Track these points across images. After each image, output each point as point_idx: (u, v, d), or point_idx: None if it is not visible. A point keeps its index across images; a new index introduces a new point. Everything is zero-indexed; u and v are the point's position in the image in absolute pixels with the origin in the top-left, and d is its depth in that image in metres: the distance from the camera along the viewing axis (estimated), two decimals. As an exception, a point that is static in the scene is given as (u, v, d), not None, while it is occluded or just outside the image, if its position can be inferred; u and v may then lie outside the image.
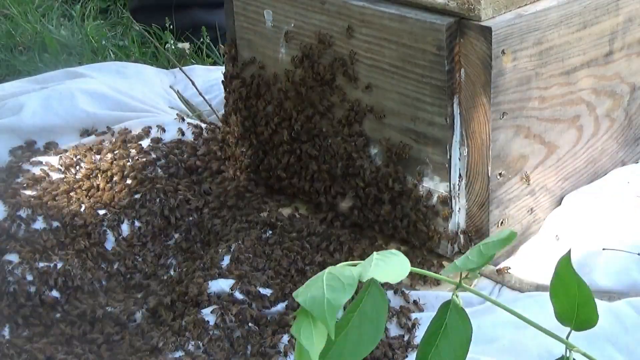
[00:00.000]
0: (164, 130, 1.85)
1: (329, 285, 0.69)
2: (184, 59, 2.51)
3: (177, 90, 2.12)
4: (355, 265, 0.73)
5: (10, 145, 1.86)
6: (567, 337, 0.74)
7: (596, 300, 1.31)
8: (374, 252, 0.74)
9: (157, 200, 1.65)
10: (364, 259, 1.48)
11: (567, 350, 0.74)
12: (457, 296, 0.75)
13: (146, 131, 1.84)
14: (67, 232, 1.59)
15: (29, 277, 1.47)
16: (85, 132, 1.89)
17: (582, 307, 0.74)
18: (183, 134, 1.85)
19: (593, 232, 1.45)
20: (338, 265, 0.73)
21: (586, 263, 1.40)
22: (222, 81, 1.76)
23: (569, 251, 0.74)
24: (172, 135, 1.85)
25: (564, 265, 0.74)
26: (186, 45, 2.56)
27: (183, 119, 1.89)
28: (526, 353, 1.22)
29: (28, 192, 1.67)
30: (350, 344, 0.70)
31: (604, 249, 1.41)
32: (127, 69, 2.20)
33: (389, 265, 0.71)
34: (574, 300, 0.74)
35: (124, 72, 2.16)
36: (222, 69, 1.88)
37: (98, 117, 1.92)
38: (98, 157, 1.77)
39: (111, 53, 2.62)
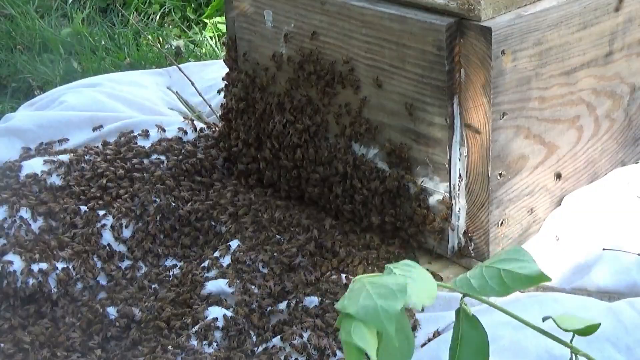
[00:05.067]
0: (164, 130, 1.85)
1: (377, 293, 0.68)
2: (179, 57, 2.51)
3: (176, 92, 2.12)
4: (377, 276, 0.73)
5: (11, 146, 1.86)
6: (571, 341, 0.74)
7: (596, 300, 1.32)
8: (387, 265, 0.73)
9: (157, 200, 1.65)
10: (366, 262, 1.48)
11: (573, 354, 0.74)
12: (465, 304, 0.74)
13: (146, 132, 1.84)
14: (67, 233, 1.59)
15: (29, 278, 1.47)
16: (86, 134, 1.89)
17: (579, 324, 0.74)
18: (186, 133, 1.85)
19: (593, 232, 1.45)
20: (368, 275, 0.72)
21: (586, 264, 1.40)
22: (223, 78, 1.76)
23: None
24: (172, 136, 1.85)
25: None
26: (181, 42, 2.55)
27: (185, 119, 1.89)
28: (526, 353, 1.22)
29: (29, 193, 1.67)
30: (390, 356, 0.70)
31: (604, 249, 1.41)
32: (124, 71, 2.20)
33: (419, 285, 0.70)
34: (572, 316, 0.74)
35: (120, 79, 2.16)
36: (218, 63, 1.88)
37: (98, 118, 1.92)
38: (98, 158, 1.77)
39: (110, 52, 2.62)
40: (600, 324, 0.74)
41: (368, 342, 0.66)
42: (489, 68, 1.33)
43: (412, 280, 0.70)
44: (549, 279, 0.72)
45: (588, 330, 0.74)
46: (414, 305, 0.68)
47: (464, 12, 1.35)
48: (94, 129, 1.88)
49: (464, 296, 0.74)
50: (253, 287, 1.44)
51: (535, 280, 0.72)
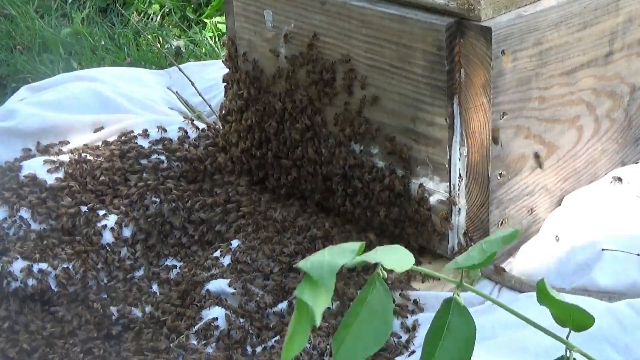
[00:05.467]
0: (165, 131, 1.84)
1: (330, 252, 0.70)
2: (179, 57, 2.51)
3: (176, 92, 2.12)
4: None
5: (11, 146, 1.86)
6: (567, 337, 0.74)
7: (596, 300, 1.32)
8: (377, 247, 0.74)
9: (157, 200, 1.65)
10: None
11: (567, 350, 0.74)
12: (458, 295, 0.75)
13: (145, 132, 1.84)
14: (67, 233, 1.59)
15: (29, 278, 1.47)
16: (86, 133, 1.89)
17: (575, 312, 0.74)
18: (186, 133, 1.85)
19: (593, 232, 1.45)
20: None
21: (586, 264, 1.40)
22: (223, 79, 1.76)
23: (543, 280, 0.75)
24: (173, 136, 1.85)
25: (542, 288, 0.74)
26: (181, 42, 2.55)
27: (185, 119, 1.89)
28: (524, 353, 1.23)
29: (29, 193, 1.67)
30: (361, 339, 0.70)
31: (603, 250, 1.41)
32: (124, 71, 2.19)
33: (395, 255, 0.72)
34: (565, 306, 0.74)
35: (121, 74, 2.16)
36: (218, 63, 1.86)
37: (98, 118, 1.91)
38: (99, 158, 1.77)
39: (110, 52, 2.62)
40: (594, 318, 0.74)
41: (316, 300, 0.67)
42: (489, 68, 1.33)
43: (389, 252, 0.71)
44: (519, 233, 0.74)
45: (583, 324, 0.74)
46: (389, 265, 0.69)
47: (464, 12, 1.35)
48: (95, 131, 1.88)
49: (457, 287, 0.75)
50: (253, 287, 1.43)
51: (509, 238, 0.74)
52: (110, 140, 1.84)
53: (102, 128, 1.88)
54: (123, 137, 1.83)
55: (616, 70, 1.57)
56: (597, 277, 1.38)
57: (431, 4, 1.38)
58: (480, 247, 0.74)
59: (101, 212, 1.62)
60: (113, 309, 1.43)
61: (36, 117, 1.89)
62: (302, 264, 0.68)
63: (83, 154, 1.78)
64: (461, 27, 1.35)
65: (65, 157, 1.77)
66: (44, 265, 1.50)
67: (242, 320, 1.37)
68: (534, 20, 1.37)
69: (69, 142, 1.86)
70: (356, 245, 0.71)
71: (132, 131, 1.85)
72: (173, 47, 2.54)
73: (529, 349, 1.22)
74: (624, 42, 1.56)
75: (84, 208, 1.63)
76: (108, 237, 1.59)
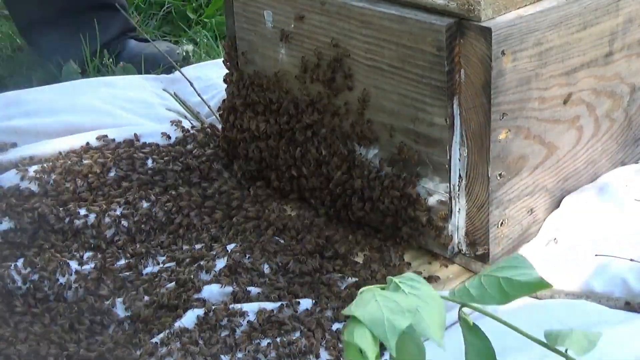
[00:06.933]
0: (162, 133, 1.84)
1: (386, 306, 0.69)
2: (186, 62, 2.50)
3: (174, 92, 2.11)
4: (383, 289, 0.73)
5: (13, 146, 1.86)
6: (566, 351, 0.74)
7: (596, 304, 1.32)
8: (390, 278, 0.74)
9: (151, 202, 1.64)
10: (365, 262, 1.47)
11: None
12: (465, 314, 0.74)
13: (137, 136, 1.83)
14: (53, 233, 1.58)
15: (18, 279, 1.46)
16: (83, 135, 1.88)
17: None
18: (183, 133, 1.85)
19: (591, 235, 1.45)
20: (376, 286, 0.73)
21: (583, 267, 1.40)
22: (224, 80, 1.76)
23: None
24: (171, 137, 1.84)
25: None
26: (189, 47, 2.53)
27: (179, 122, 1.88)
28: (523, 355, 1.22)
29: (25, 189, 1.67)
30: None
31: (596, 255, 1.40)
32: (117, 79, 2.19)
33: (429, 311, 0.71)
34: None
35: (115, 82, 2.16)
36: (216, 63, 1.86)
37: (97, 119, 1.91)
38: (92, 160, 1.75)
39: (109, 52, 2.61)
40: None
41: (369, 345, 0.67)
42: (489, 68, 1.33)
43: (422, 303, 0.70)
44: (549, 286, 0.72)
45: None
46: (431, 337, 0.69)
47: (463, 13, 1.35)
48: (99, 138, 1.85)
49: (462, 306, 0.74)
50: (248, 288, 1.43)
51: (535, 287, 0.72)
52: (106, 144, 1.83)
53: (97, 132, 1.86)
54: (119, 140, 1.82)
55: (616, 70, 1.57)
56: (594, 281, 1.38)
57: (431, 4, 1.38)
58: (498, 285, 0.72)
59: (92, 214, 1.60)
60: (100, 311, 1.41)
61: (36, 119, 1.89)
62: (362, 316, 0.68)
63: (76, 158, 1.76)
64: (461, 28, 1.35)
65: (59, 161, 1.74)
66: (23, 264, 1.48)
67: (235, 324, 1.35)
68: (533, 20, 1.37)
69: (65, 146, 1.83)
70: (412, 304, 0.70)
71: (131, 135, 1.84)
72: (183, 52, 2.50)
73: (527, 352, 1.22)
74: (624, 42, 1.56)
75: (74, 210, 1.61)
76: (99, 239, 1.57)
